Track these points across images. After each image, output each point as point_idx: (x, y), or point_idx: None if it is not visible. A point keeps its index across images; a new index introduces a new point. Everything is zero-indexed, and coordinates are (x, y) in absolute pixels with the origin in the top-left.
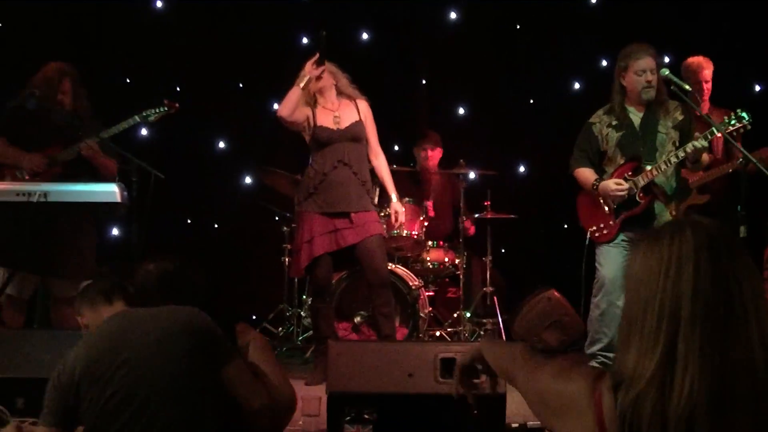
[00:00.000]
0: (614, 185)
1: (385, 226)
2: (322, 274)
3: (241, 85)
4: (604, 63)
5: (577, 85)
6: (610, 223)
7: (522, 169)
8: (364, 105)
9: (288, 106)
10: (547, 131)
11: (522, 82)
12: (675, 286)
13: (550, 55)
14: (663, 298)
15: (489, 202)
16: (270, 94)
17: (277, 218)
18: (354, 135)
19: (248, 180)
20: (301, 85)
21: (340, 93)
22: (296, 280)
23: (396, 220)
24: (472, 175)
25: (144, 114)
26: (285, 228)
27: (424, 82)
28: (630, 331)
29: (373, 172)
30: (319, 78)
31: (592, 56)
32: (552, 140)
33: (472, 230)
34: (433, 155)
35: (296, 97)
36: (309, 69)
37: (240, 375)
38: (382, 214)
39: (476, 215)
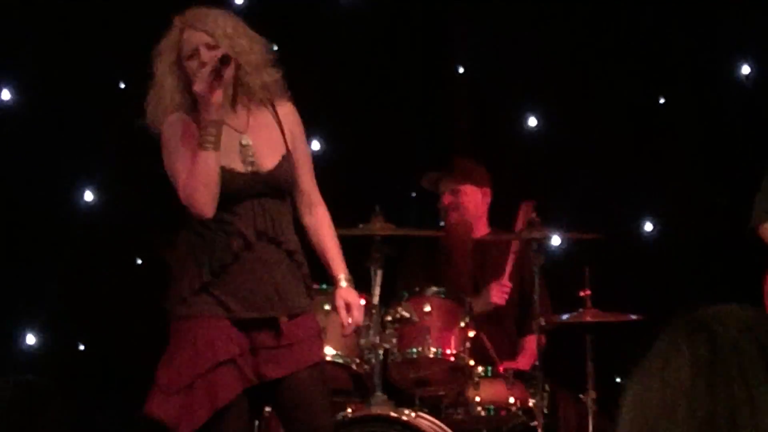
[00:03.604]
0: None
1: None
2: None
3: None
4: None
5: (746, 69)
6: None
7: (648, 227)
8: (288, 111)
9: (212, 195)
10: (693, 156)
11: (643, 69)
12: None
13: (695, 19)
14: None
15: (588, 291)
16: None
17: None
18: (279, 185)
19: None
20: (209, 138)
21: (245, 90)
22: None
23: (348, 319)
24: (555, 240)
25: None
26: None
27: (461, 70)
28: None
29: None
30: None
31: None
32: (704, 172)
33: (542, 341)
34: (464, 201)
35: (216, 173)
36: (204, 84)
37: None
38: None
39: (564, 317)
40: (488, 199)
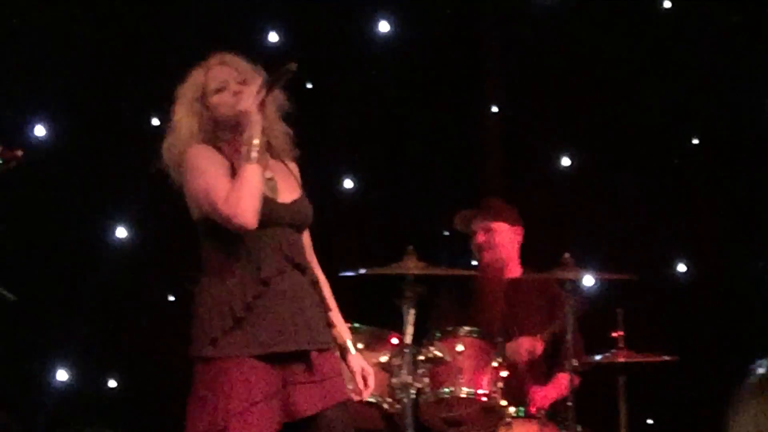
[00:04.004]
0: None
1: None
2: None
3: None
4: None
5: None
6: None
7: (681, 268)
8: (295, 169)
9: (257, 206)
10: (726, 196)
11: (676, 109)
12: None
13: (728, 60)
14: None
15: (621, 332)
16: None
17: None
18: (301, 219)
19: None
20: (254, 153)
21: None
22: None
23: (365, 384)
24: (587, 281)
25: None
26: None
27: (495, 109)
28: None
29: None
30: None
31: None
32: (737, 212)
33: (576, 381)
34: (497, 239)
35: (260, 186)
36: (251, 101)
37: None
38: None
39: (596, 357)
40: (520, 238)
